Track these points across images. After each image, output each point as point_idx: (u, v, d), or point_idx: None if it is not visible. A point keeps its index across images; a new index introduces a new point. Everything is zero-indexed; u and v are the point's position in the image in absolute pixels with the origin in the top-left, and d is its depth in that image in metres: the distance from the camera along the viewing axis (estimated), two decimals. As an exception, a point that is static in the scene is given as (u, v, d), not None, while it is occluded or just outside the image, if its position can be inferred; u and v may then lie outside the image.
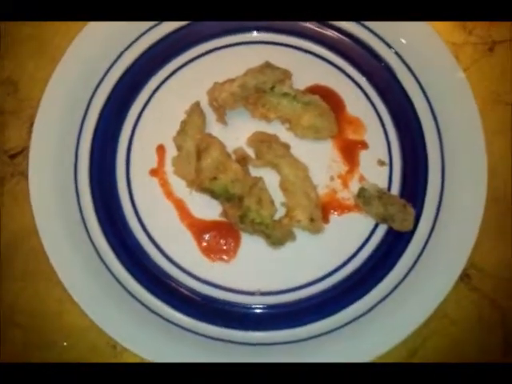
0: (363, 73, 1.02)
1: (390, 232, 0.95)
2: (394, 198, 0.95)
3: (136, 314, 0.91)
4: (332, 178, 0.98)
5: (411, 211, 0.94)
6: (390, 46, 1.01)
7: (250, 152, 0.98)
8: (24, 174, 0.97)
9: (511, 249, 0.96)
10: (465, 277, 0.95)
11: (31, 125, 0.98)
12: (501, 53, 1.04)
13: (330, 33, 1.03)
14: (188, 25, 1.03)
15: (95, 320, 0.89)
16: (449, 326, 0.94)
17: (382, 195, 0.95)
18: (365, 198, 0.95)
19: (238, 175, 0.92)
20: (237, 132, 0.99)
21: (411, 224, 0.94)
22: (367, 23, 1.02)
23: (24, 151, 0.99)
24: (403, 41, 1.01)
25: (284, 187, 0.96)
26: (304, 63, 1.02)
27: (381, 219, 0.94)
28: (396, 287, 0.93)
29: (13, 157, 0.99)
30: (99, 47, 0.99)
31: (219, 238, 0.95)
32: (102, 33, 0.99)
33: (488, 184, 0.94)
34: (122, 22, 0.99)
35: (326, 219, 0.96)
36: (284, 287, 0.94)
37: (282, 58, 1.01)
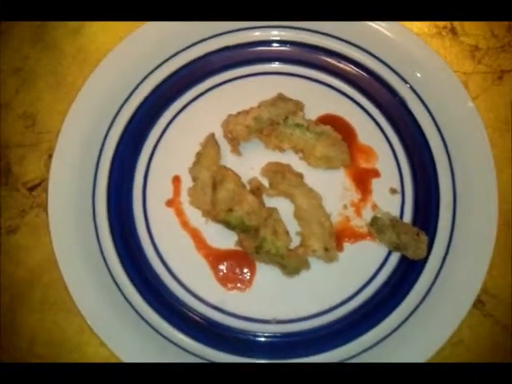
0: (374, 103, 1.04)
1: (404, 260, 0.96)
2: (407, 226, 0.96)
3: (154, 343, 0.92)
4: (345, 207, 0.99)
5: (424, 239, 0.95)
6: (404, 80, 1.03)
7: (265, 182, 0.99)
8: (43, 206, 0.99)
9: (524, 274, 0.97)
10: (478, 303, 0.95)
11: (49, 157, 1.00)
12: (509, 81, 1.05)
13: (343, 64, 1.05)
14: (200, 57, 1.05)
15: (114, 350, 0.90)
16: (463, 352, 0.94)
17: (395, 223, 0.96)
18: (378, 227, 0.96)
19: (254, 207, 0.93)
20: (251, 162, 1.01)
21: (424, 252, 0.95)
22: (381, 56, 1.04)
23: (42, 183, 1.01)
24: (418, 75, 1.02)
25: (298, 216, 0.97)
26: (316, 93, 1.04)
27: (394, 247, 0.96)
28: (410, 315, 0.94)
29: (31, 189, 1.01)
30: (115, 81, 1.02)
31: (235, 267, 0.97)
32: (117, 67, 1.02)
33: (499, 209, 0.95)
34: (136, 56, 1.02)
35: (339, 247, 0.97)
36: (299, 315, 0.95)
37: (294, 88, 1.03)
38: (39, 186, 1.01)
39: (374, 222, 0.97)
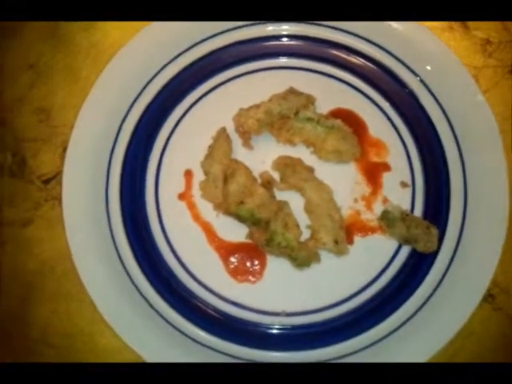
0: (385, 96, 1.04)
1: (414, 253, 0.97)
2: (418, 219, 0.97)
3: (165, 334, 0.93)
4: (355, 200, 1.00)
5: (435, 232, 0.95)
6: (415, 74, 1.03)
7: (275, 175, 1.00)
8: (57, 199, 1.01)
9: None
10: (489, 296, 0.95)
11: (64, 150, 1.02)
12: (521, 75, 1.06)
13: (354, 58, 1.06)
14: (212, 52, 1.06)
15: (126, 341, 0.91)
16: (474, 345, 0.94)
17: (406, 217, 0.96)
18: (388, 220, 0.96)
19: (264, 200, 0.94)
20: (262, 156, 1.01)
21: (435, 245, 0.95)
22: (392, 50, 1.04)
23: (57, 176, 1.02)
24: (428, 68, 1.03)
25: (309, 210, 0.98)
26: (327, 87, 1.04)
27: (404, 241, 0.96)
28: (420, 308, 0.94)
29: (46, 182, 1.03)
30: (128, 76, 1.03)
31: (246, 259, 0.98)
32: (130, 62, 1.03)
33: (510, 202, 0.95)
34: (149, 51, 1.03)
35: (350, 240, 0.98)
36: (309, 308, 0.96)
37: (305, 82, 1.04)
38: (54, 178, 1.03)
39: (385, 215, 0.97)
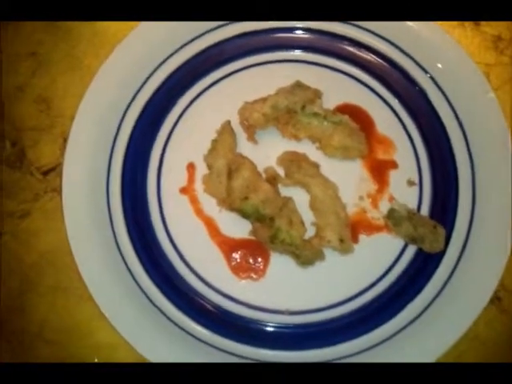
0: (394, 93, 1.02)
1: (420, 254, 0.95)
2: (424, 218, 0.95)
3: (165, 330, 0.92)
4: (361, 198, 0.98)
5: (442, 232, 0.94)
6: (425, 71, 1.02)
7: (280, 171, 0.98)
8: (57, 191, 0.99)
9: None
10: (495, 299, 0.94)
11: (64, 141, 1.00)
12: (532, 72, 1.04)
13: (362, 53, 1.04)
14: (218, 43, 1.04)
15: (126, 336, 0.90)
16: (480, 347, 0.93)
17: (412, 216, 0.94)
18: (395, 219, 0.95)
19: (269, 195, 0.93)
20: (267, 151, 1.00)
21: (442, 245, 0.93)
22: (402, 46, 1.02)
23: (57, 168, 1.01)
24: (439, 65, 1.01)
25: (313, 206, 0.96)
26: (335, 82, 1.03)
27: (411, 240, 0.94)
28: (426, 309, 0.93)
29: (46, 173, 1.01)
30: (131, 66, 1.01)
31: (249, 256, 0.96)
32: (133, 52, 1.01)
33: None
34: (153, 41, 1.01)
35: (355, 239, 0.96)
36: (312, 307, 0.94)
37: (312, 76, 1.02)
38: (53, 170, 1.01)
39: (391, 213, 0.95)
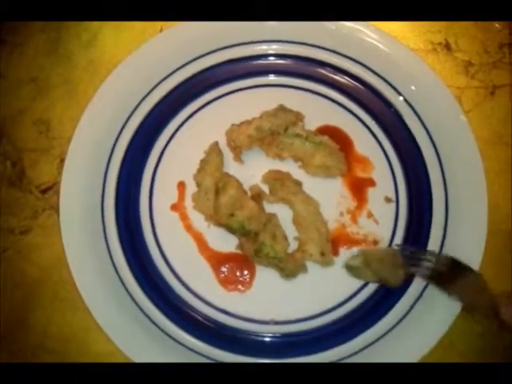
0: (371, 114, 1.08)
1: (397, 265, 1.00)
2: (381, 252, 0.99)
3: (157, 340, 0.97)
4: (342, 214, 1.03)
5: (401, 272, 0.95)
6: (399, 93, 1.08)
7: (265, 188, 1.04)
8: (54, 208, 1.04)
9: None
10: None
11: (61, 161, 1.06)
12: (501, 96, 1.10)
13: (341, 78, 1.10)
14: (205, 70, 1.10)
15: (119, 345, 0.95)
16: (454, 355, 0.98)
17: (370, 261, 0.97)
18: (354, 271, 0.99)
19: (254, 212, 0.98)
20: (252, 170, 1.05)
21: (401, 280, 0.96)
22: (377, 70, 1.08)
23: (54, 186, 1.06)
24: (413, 88, 1.07)
25: (296, 222, 1.01)
26: (315, 105, 1.08)
27: (377, 282, 0.99)
28: (404, 316, 0.97)
29: (44, 192, 1.07)
30: (124, 92, 1.07)
31: (236, 269, 1.01)
32: (126, 78, 1.07)
33: (490, 218, 0.99)
34: (144, 69, 1.07)
35: (335, 252, 1.01)
36: (297, 317, 0.99)
37: (294, 99, 1.08)
38: (51, 188, 1.06)
39: (349, 269, 0.99)
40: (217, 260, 1.01)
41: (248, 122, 1.04)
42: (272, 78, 1.10)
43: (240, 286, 1.01)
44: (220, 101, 1.09)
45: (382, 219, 1.03)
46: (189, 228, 1.03)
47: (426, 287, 0.98)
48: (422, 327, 0.96)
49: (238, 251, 1.01)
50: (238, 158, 1.05)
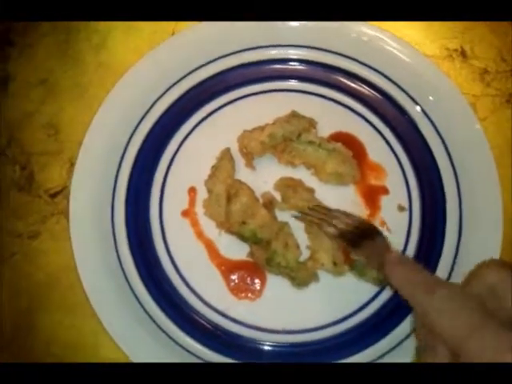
0: (385, 122, 1.07)
1: (410, 275, 0.99)
2: None
3: (166, 348, 0.95)
4: (354, 222, 1.03)
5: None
6: (416, 103, 1.07)
7: (277, 196, 1.03)
8: (63, 213, 1.03)
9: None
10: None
11: (71, 165, 1.05)
12: (517, 104, 1.09)
13: (357, 85, 1.09)
14: (218, 74, 1.09)
15: (127, 352, 0.93)
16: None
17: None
18: (358, 269, 0.98)
19: (266, 220, 0.97)
20: (264, 177, 1.04)
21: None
22: (394, 78, 1.07)
23: (64, 191, 1.05)
24: (431, 98, 1.06)
25: (308, 230, 1.00)
26: (329, 111, 1.07)
27: (378, 284, 0.98)
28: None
29: (53, 196, 1.06)
30: (135, 95, 1.05)
31: (246, 277, 1.00)
32: (137, 82, 1.06)
33: (505, 227, 0.98)
34: (156, 72, 1.06)
35: (348, 261, 1.00)
36: (308, 326, 0.98)
37: (307, 105, 1.06)
38: (61, 193, 1.05)
39: (353, 265, 0.98)
40: (227, 267, 1.00)
41: (261, 128, 1.02)
42: (285, 83, 1.09)
43: (250, 295, 0.99)
44: (232, 106, 1.08)
45: (395, 228, 1.02)
46: (200, 235, 1.02)
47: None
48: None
49: (249, 259, 1.00)
50: (249, 164, 1.04)
